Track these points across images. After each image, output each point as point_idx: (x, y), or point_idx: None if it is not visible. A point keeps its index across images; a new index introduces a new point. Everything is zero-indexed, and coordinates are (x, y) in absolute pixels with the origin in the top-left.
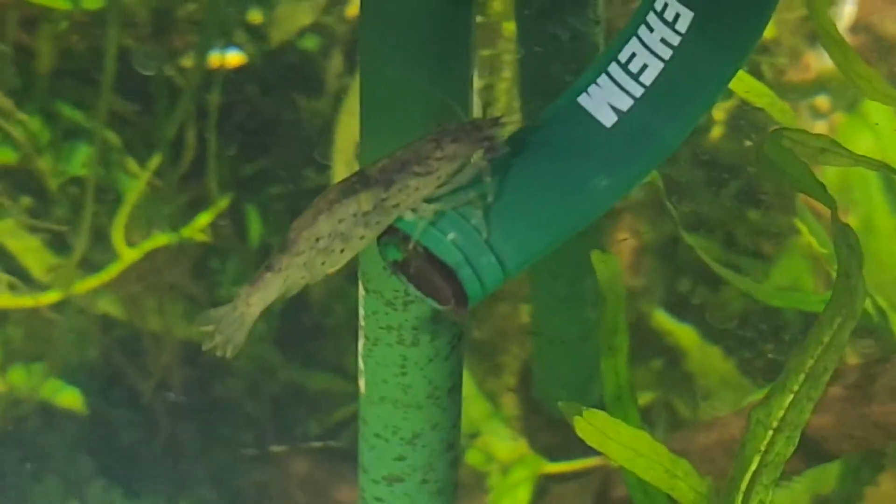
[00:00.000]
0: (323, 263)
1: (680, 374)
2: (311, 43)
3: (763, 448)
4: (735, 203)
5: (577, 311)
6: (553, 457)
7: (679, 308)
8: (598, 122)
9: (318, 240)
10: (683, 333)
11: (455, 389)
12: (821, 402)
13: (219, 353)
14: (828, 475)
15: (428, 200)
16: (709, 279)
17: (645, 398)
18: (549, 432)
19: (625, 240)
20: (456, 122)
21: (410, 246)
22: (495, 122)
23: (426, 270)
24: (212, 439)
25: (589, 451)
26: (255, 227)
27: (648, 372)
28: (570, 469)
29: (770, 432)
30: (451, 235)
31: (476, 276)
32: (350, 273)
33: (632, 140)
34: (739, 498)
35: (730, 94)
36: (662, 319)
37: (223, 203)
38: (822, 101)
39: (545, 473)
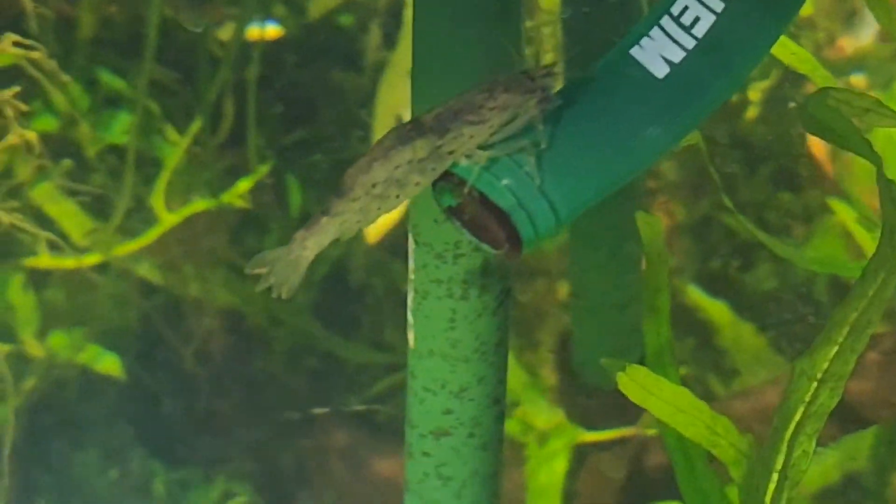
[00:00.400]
0: (378, 208)
1: (713, 349)
2: (347, 18)
3: (807, 399)
4: (768, 184)
5: (617, 278)
6: (590, 426)
7: (712, 284)
8: (650, 73)
9: (374, 185)
10: (716, 309)
11: (502, 344)
12: (858, 369)
13: (274, 295)
14: (861, 444)
15: (482, 148)
16: (743, 254)
17: None
18: (586, 401)
19: (665, 202)
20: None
21: (466, 190)
22: (548, 72)
23: (480, 215)
24: (250, 409)
25: (625, 420)
26: (295, 195)
27: (681, 347)
28: (607, 438)
29: (814, 383)
30: (505, 180)
31: (530, 220)
32: (391, 246)
33: (683, 91)
34: (784, 447)
35: (766, 73)
36: (695, 295)
37: (263, 170)
38: (859, 79)
39: (582, 442)
